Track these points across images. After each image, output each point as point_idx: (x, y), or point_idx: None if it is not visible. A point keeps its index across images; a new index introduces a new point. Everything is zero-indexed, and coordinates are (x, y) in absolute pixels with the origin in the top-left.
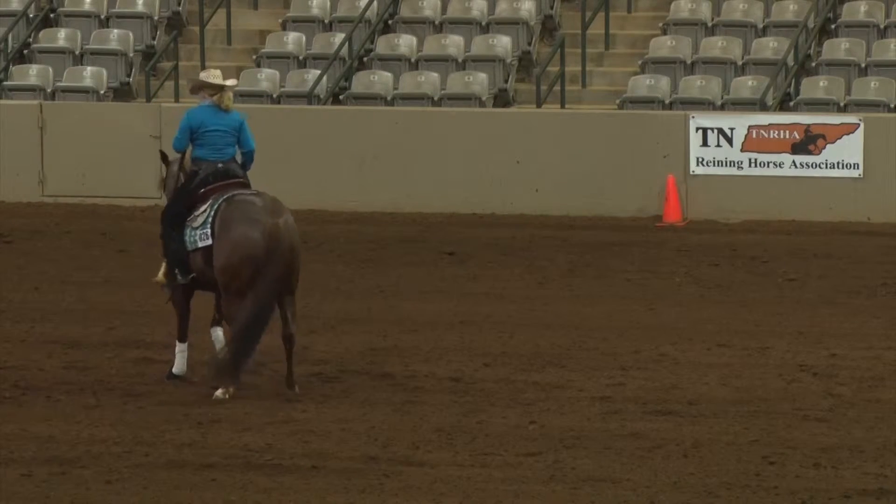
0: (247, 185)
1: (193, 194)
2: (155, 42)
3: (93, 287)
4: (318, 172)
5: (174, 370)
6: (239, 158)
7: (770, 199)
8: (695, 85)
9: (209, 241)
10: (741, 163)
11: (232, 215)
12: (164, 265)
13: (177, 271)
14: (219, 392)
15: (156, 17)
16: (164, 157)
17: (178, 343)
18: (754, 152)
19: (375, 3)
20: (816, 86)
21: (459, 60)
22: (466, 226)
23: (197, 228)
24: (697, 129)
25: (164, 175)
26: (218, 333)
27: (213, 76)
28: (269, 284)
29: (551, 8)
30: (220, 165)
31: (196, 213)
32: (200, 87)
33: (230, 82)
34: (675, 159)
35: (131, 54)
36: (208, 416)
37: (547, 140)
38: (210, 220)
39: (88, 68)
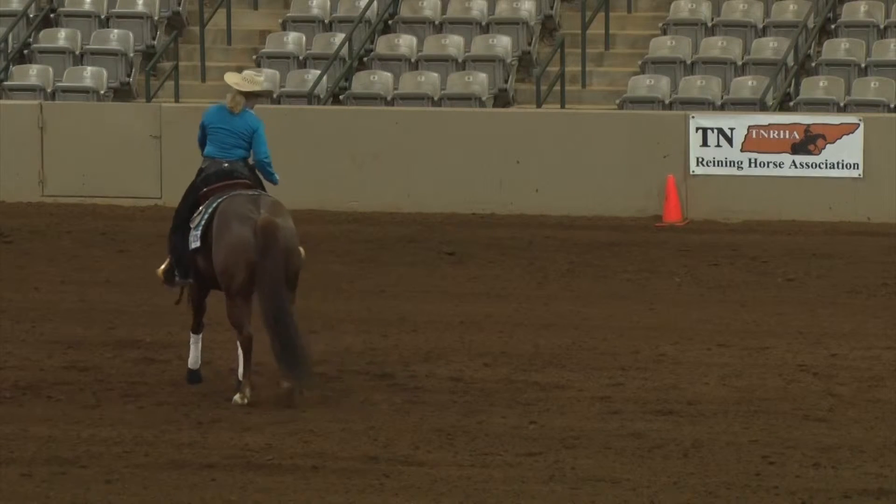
0: (252, 187)
1: (197, 193)
2: (155, 42)
3: (93, 287)
4: (318, 172)
5: (189, 364)
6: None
7: (770, 199)
8: (695, 85)
9: (198, 244)
10: (741, 163)
11: (227, 216)
12: (167, 261)
13: (175, 271)
14: (237, 397)
15: (156, 17)
16: None
17: (191, 334)
18: (754, 152)
19: (375, 3)
20: (816, 86)
21: (459, 60)
22: (466, 226)
23: (192, 229)
24: (697, 129)
25: None
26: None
27: (243, 79)
28: (271, 279)
29: (551, 8)
30: (225, 165)
31: (195, 213)
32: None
33: (250, 88)
34: (675, 159)
35: (131, 54)
36: (208, 416)
37: (547, 140)
38: (203, 221)
39: (88, 68)
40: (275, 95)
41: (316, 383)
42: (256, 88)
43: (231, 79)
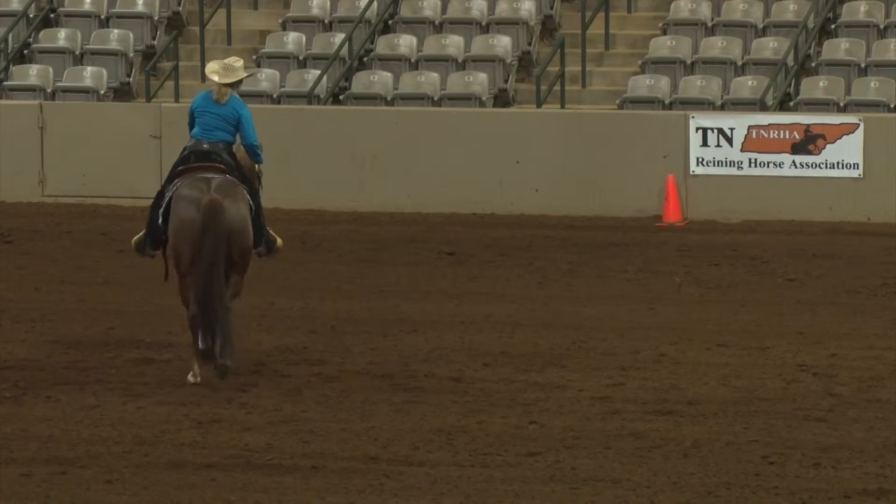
0: (226, 171)
1: (174, 171)
2: (155, 42)
3: (93, 287)
4: (318, 172)
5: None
6: (241, 149)
7: (770, 199)
8: (695, 85)
9: (160, 220)
10: (741, 163)
11: (178, 198)
12: (143, 231)
13: (147, 241)
14: (189, 376)
15: (156, 17)
16: None
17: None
18: (754, 152)
19: (375, 3)
20: (816, 86)
21: (459, 60)
22: (466, 226)
23: (162, 205)
24: (697, 129)
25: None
26: None
27: (223, 69)
28: (202, 257)
29: (551, 8)
30: (205, 146)
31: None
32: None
33: (231, 79)
34: (675, 159)
35: (131, 54)
36: (208, 416)
37: (547, 140)
38: (165, 200)
39: (88, 68)
40: (275, 95)
41: (227, 368)
42: (237, 78)
43: (211, 71)
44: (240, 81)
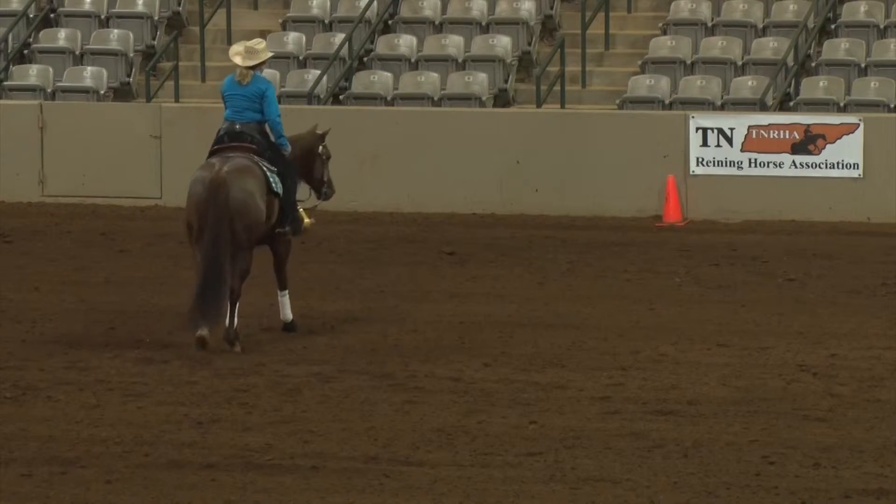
0: (258, 152)
1: (210, 152)
2: (155, 42)
3: (93, 287)
4: None
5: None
6: (267, 127)
7: (770, 199)
8: (695, 85)
9: None
10: (741, 163)
11: (194, 176)
12: None
13: None
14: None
15: (156, 17)
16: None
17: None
18: (754, 152)
19: (375, 3)
20: (816, 86)
21: (459, 60)
22: (466, 226)
23: None
24: (697, 129)
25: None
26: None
27: (246, 52)
28: (208, 231)
29: (551, 8)
30: (237, 127)
31: None
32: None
33: (253, 62)
34: (675, 159)
35: (131, 54)
36: (208, 416)
37: (547, 140)
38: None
39: (88, 68)
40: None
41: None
42: (259, 61)
43: (234, 53)
44: (262, 63)
